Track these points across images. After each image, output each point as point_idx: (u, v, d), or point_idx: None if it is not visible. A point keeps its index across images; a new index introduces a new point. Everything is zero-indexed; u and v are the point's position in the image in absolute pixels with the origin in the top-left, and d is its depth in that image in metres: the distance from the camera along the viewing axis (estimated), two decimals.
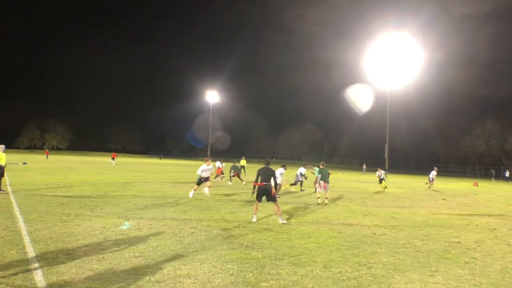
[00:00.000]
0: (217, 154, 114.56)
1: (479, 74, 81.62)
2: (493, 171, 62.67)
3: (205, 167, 16.83)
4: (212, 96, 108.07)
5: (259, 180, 11.74)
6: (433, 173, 30.03)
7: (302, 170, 22.96)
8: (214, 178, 27.48)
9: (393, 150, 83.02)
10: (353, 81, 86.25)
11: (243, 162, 36.59)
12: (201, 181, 16.94)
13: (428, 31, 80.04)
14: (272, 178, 11.79)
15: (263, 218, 11.99)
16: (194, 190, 17.02)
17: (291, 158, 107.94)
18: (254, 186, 11.81)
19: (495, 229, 12.44)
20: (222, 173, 28.91)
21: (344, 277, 6.39)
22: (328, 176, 17.36)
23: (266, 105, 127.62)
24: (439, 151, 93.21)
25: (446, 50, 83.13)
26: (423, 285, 6.32)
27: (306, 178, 23.33)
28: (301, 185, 22.72)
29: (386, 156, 79.25)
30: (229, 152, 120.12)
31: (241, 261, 7.03)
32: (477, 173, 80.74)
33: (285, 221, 11.38)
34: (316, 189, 17.93)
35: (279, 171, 18.75)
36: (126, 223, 9.76)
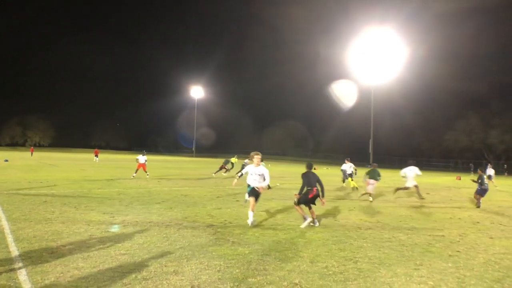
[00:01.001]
0: (202, 151, 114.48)
1: (461, 69, 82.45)
2: (471, 164, 63.64)
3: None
4: (197, 92, 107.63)
5: (306, 186, 10.64)
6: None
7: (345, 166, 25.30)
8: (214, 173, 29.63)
9: (377, 145, 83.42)
10: (337, 76, 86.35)
11: (234, 159, 36.95)
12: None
13: (412, 27, 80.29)
14: (318, 183, 10.80)
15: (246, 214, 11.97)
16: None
17: (276, 154, 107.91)
18: (306, 193, 10.60)
19: (478, 222, 12.58)
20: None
21: (330, 272, 6.42)
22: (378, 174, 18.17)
23: (251, 100, 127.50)
24: (422, 146, 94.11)
25: (429, 45, 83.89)
26: (408, 278, 6.38)
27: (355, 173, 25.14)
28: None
29: (370, 150, 79.65)
30: (213, 148, 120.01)
31: (228, 257, 7.02)
32: (459, 167, 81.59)
33: (317, 223, 10.62)
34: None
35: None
36: (115, 226, 9.64)
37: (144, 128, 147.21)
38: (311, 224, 10.43)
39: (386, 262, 7.30)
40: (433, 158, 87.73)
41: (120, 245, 7.69)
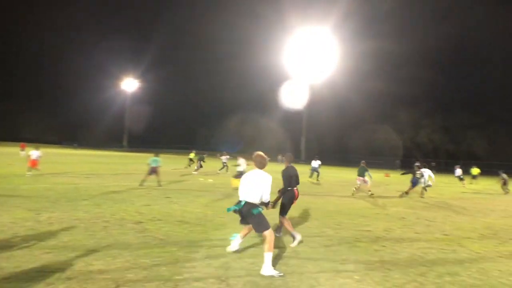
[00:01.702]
0: (134, 145, 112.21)
1: (393, 69, 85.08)
2: (398, 162, 66.37)
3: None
4: (130, 84, 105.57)
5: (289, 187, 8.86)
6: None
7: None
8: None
9: (310, 142, 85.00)
10: (274, 74, 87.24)
11: (192, 155, 37.53)
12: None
13: (346, 26, 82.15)
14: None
15: (179, 210, 11.91)
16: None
17: (211, 149, 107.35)
18: (290, 196, 8.87)
19: (404, 218, 13.09)
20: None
21: (258, 267, 6.50)
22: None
23: (187, 95, 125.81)
24: (354, 143, 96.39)
25: (363, 45, 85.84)
26: (334, 273, 6.57)
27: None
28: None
29: (302, 147, 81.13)
30: (145, 143, 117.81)
31: (155, 255, 6.97)
32: (389, 165, 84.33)
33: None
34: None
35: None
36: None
37: (74, 121, 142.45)
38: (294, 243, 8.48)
39: (314, 257, 7.49)
40: (363, 156, 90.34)
41: (44, 243, 7.45)
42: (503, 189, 28.51)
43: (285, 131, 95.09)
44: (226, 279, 5.92)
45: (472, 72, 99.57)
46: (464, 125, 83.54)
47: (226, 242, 8.17)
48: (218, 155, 35.04)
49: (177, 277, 5.88)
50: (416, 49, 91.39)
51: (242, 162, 19.75)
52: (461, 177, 33.45)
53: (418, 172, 20.80)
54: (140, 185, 17.64)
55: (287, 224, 8.66)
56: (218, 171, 31.63)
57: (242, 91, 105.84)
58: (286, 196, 8.78)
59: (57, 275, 5.76)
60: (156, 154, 18.90)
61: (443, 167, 72.86)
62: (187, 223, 9.98)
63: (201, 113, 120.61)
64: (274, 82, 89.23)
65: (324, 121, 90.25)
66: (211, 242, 8.19)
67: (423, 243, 9.48)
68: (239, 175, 18.13)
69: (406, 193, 20.48)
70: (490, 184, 34.26)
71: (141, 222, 9.84)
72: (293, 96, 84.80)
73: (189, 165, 35.88)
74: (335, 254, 7.82)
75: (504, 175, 29.15)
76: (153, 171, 18.28)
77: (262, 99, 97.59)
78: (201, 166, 31.35)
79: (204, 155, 33.11)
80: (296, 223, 10.77)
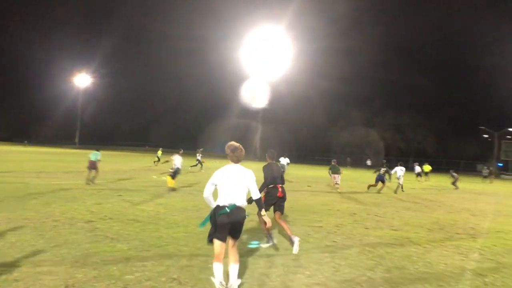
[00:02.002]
0: (87, 142, 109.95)
1: (346, 68, 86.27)
2: (348, 158, 68.19)
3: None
4: (83, 80, 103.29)
5: (270, 184, 8.34)
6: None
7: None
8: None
9: (265, 140, 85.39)
10: (231, 71, 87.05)
11: (159, 152, 38.34)
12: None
13: (300, 25, 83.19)
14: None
15: (131, 208, 11.79)
16: None
17: (165, 146, 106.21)
18: (271, 192, 8.33)
19: (355, 213, 13.35)
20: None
21: (210, 265, 6.44)
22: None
23: (141, 92, 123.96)
24: (307, 141, 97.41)
25: (316, 44, 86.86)
26: (285, 268, 6.67)
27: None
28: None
29: (257, 145, 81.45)
30: (98, 140, 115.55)
31: (105, 254, 6.88)
32: (341, 162, 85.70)
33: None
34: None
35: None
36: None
37: (24, 117, 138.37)
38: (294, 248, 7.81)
39: (265, 253, 7.58)
40: (316, 153, 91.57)
41: None
42: (454, 185, 29.97)
43: (241, 128, 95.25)
44: (178, 277, 5.92)
45: (422, 72, 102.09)
46: (415, 123, 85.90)
47: (178, 240, 8.16)
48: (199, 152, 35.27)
49: (128, 277, 5.83)
50: (368, 48, 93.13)
51: (177, 159, 18.02)
52: (420, 173, 34.58)
53: (383, 169, 22.65)
54: (87, 183, 17.18)
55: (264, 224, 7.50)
56: (190, 168, 31.80)
57: (197, 88, 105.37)
58: (269, 193, 8.30)
59: (4, 277, 5.61)
60: (98, 149, 18.47)
61: (394, 164, 74.48)
62: (139, 222, 9.87)
63: (156, 109, 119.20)
64: (230, 79, 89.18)
65: (280, 118, 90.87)
66: (163, 240, 8.14)
67: (372, 238, 9.72)
68: (174, 173, 17.35)
69: (370, 187, 22.71)
70: (440, 181, 35.31)
71: (91, 221, 9.66)
72: (250, 93, 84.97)
73: (155, 163, 36.36)
74: (286, 250, 7.91)
75: (455, 174, 30.74)
76: (92, 166, 17.56)
77: (219, 96, 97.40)
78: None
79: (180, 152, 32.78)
80: (250, 220, 10.81)
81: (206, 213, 11.48)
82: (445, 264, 7.74)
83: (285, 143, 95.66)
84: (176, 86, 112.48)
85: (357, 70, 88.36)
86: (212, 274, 5.46)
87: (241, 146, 6.01)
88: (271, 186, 8.28)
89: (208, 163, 39.97)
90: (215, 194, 5.71)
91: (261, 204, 6.13)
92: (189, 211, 11.76)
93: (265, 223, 6.42)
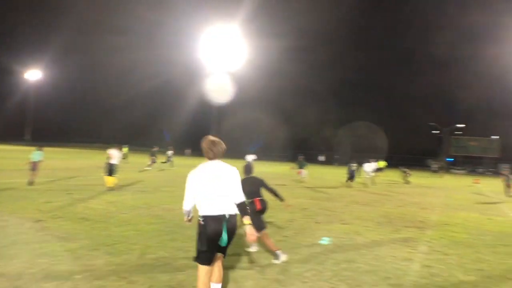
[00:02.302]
0: (39, 139, 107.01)
1: (301, 65, 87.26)
2: (300, 155, 69.42)
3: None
4: (33, 75, 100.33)
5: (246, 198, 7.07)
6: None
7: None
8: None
9: (220, 136, 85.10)
10: (186, 68, 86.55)
11: (125, 150, 37.52)
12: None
13: (254, 23, 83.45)
14: (264, 189, 8.10)
15: (81, 206, 11.60)
16: None
17: (118, 143, 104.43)
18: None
19: (306, 208, 13.55)
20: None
21: (160, 263, 6.53)
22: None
23: (93, 88, 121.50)
24: (263, 137, 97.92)
25: (272, 41, 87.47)
26: (236, 264, 6.73)
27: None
28: None
29: None
30: (51, 136, 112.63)
31: (54, 254, 6.76)
32: (296, 158, 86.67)
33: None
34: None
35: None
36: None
37: None
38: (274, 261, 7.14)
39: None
40: (272, 149, 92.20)
41: None
42: (405, 181, 31.20)
43: (197, 123, 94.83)
44: (128, 276, 5.89)
45: (375, 70, 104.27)
46: (366, 119, 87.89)
47: (129, 238, 8.11)
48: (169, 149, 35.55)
49: (76, 276, 5.75)
50: (323, 46, 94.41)
51: (114, 155, 16.64)
52: (379, 169, 35.40)
53: (354, 165, 25.66)
54: (29, 184, 16.07)
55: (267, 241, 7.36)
56: (157, 164, 31.84)
57: (150, 83, 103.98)
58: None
59: None
60: (39, 148, 17.67)
61: (347, 160, 76.16)
62: (88, 220, 9.71)
63: (108, 105, 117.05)
64: (184, 75, 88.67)
65: (236, 115, 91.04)
66: (113, 239, 8.05)
67: (323, 232, 9.90)
68: (109, 171, 16.16)
69: (347, 181, 25.19)
70: (391, 176, 36.11)
71: (41, 220, 9.44)
72: (205, 89, 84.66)
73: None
74: (235, 246, 7.96)
75: (406, 169, 32.12)
76: (34, 167, 16.56)
77: (172, 92, 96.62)
78: (154, 162, 31.41)
79: (155, 150, 32.78)
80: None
81: (159, 211, 11.49)
82: (393, 256, 7.96)
83: (240, 140, 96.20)
84: (128, 81, 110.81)
85: (312, 68, 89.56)
86: (162, 272, 5.45)
87: (220, 139, 5.08)
88: (249, 201, 7.31)
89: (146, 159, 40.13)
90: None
91: (246, 209, 4.83)
92: (139, 209, 11.65)
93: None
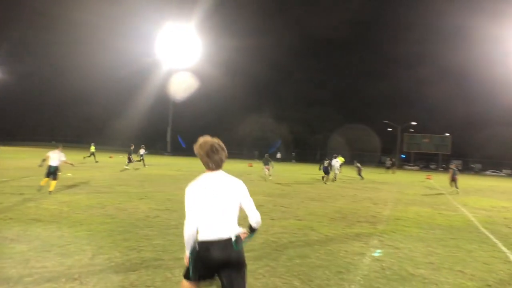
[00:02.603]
0: None
1: (257, 64, 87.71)
2: (256, 152, 70.55)
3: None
4: None
5: None
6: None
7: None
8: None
9: (177, 134, 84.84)
10: (141, 64, 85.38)
11: (92, 148, 38.86)
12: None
13: (211, 22, 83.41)
14: None
15: (33, 207, 11.36)
16: None
17: (72, 141, 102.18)
18: None
19: (262, 205, 13.67)
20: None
21: (112, 263, 6.50)
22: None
23: (45, 85, 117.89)
24: (220, 135, 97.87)
25: (226, 40, 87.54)
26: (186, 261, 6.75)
27: None
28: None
29: (168, 139, 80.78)
30: (2, 136, 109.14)
31: (3, 257, 6.61)
32: (254, 155, 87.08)
33: None
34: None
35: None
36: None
37: None
38: None
39: (170, 249, 7.60)
40: (229, 147, 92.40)
41: None
42: (360, 175, 32.00)
43: (151, 121, 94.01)
44: (79, 277, 5.85)
45: (331, 68, 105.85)
46: (323, 117, 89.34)
47: (81, 239, 8.02)
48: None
49: (27, 279, 5.67)
50: (278, 46, 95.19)
51: (53, 156, 14.86)
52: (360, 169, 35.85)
53: (326, 161, 26.98)
54: None
55: None
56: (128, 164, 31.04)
57: (105, 80, 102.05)
58: None
59: None
60: None
61: (302, 157, 77.76)
62: (40, 221, 9.51)
63: (61, 102, 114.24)
64: (140, 72, 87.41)
65: (192, 112, 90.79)
66: (65, 240, 7.94)
67: (277, 228, 10.04)
68: (49, 173, 14.64)
69: (323, 178, 26.33)
70: (345, 172, 36.66)
71: None
72: (161, 86, 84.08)
73: (84, 158, 36.88)
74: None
75: (358, 164, 32.85)
76: None
77: (127, 88, 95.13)
78: (130, 161, 30.74)
79: (131, 148, 32.42)
80: (155, 216, 10.81)
81: (113, 210, 11.40)
82: (345, 251, 8.17)
83: (197, 137, 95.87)
84: (84, 78, 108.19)
85: (268, 66, 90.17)
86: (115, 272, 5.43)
87: (220, 142, 4.14)
88: None
89: (101, 157, 39.75)
90: None
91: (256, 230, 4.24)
92: (93, 209, 11.49)
93: None
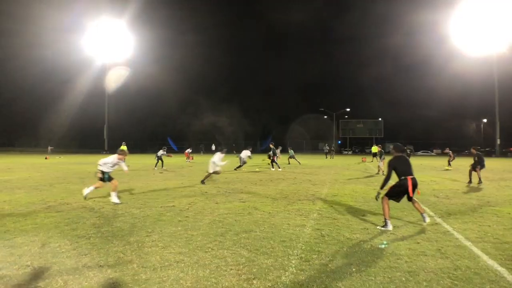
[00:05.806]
0: None
1: (194, 58, 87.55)
2: (202, 145, 70.98)
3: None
4: None
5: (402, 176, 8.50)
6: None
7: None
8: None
9: (113, 131, 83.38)
10: (73, 60, 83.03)
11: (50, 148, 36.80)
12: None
13: (145, 18, 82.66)
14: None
15: None
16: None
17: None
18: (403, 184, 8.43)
19: (206, 192, 13.97)
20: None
21: (63, 250, 6.58)
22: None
23: None
24: (157, 129, 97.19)
25: (162, 37, 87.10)
26: (140, 244, 6.96)
27: None
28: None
29: (105, 136, 79.29)
30: None
31: None
32: (193, 148, 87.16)
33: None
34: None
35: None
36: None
37: None
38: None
39: (119, 234, 7.74)
40: (166, 141, 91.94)
41: None
42: (297, 161, 33.40)
43: (86, 119, 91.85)
44: (31, 263, 5.89)
45: (266, 61, 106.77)
46: (259, 108, 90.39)
47: (27, 232, 7.98)
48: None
49: None
50: (215, 38, 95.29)
51: None
52: (294, 156, 36.29)
53: (291, 150, 33.02)
54: None
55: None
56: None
57: (31, 76, 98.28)
58: (400, 185, 8.59)
59: None
60: None
61: (242, 147, 78.22)
62: None
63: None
64: (71, 68, 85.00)
65: (128, 107, 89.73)
66: (11, 233, 7.81)
67: (222, 210, 10.40)
68: None
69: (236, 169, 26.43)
70: (284, 159, 37.45)
71: None
72: (94, 81, 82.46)
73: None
74: (140, 229, 8.16)
75: (291, 151, 34.17)
76: None
77: (57, 85, 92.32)
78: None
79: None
80: (100, 207, 10.83)
81: (56, 205, 11.26)
82: (288, 224, 8.68)
83: (133, 133, 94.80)
84: (12, 76, 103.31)
85: (203, 60, 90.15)
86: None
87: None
88: (403, 178, 8.46)
89: (53, 159, 38.50)
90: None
91: None
92: (36, 205, 11.29)
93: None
